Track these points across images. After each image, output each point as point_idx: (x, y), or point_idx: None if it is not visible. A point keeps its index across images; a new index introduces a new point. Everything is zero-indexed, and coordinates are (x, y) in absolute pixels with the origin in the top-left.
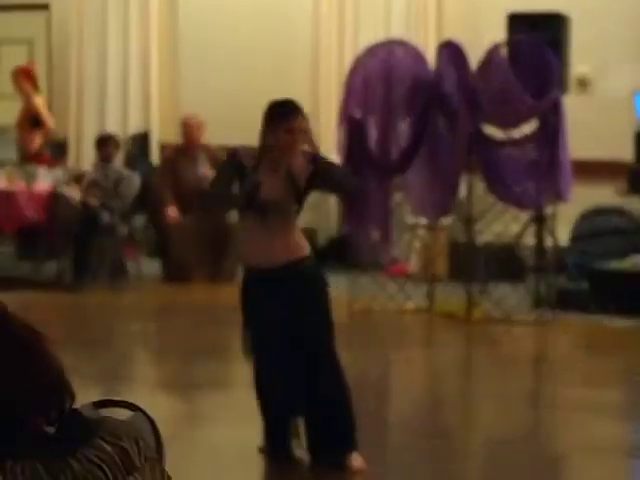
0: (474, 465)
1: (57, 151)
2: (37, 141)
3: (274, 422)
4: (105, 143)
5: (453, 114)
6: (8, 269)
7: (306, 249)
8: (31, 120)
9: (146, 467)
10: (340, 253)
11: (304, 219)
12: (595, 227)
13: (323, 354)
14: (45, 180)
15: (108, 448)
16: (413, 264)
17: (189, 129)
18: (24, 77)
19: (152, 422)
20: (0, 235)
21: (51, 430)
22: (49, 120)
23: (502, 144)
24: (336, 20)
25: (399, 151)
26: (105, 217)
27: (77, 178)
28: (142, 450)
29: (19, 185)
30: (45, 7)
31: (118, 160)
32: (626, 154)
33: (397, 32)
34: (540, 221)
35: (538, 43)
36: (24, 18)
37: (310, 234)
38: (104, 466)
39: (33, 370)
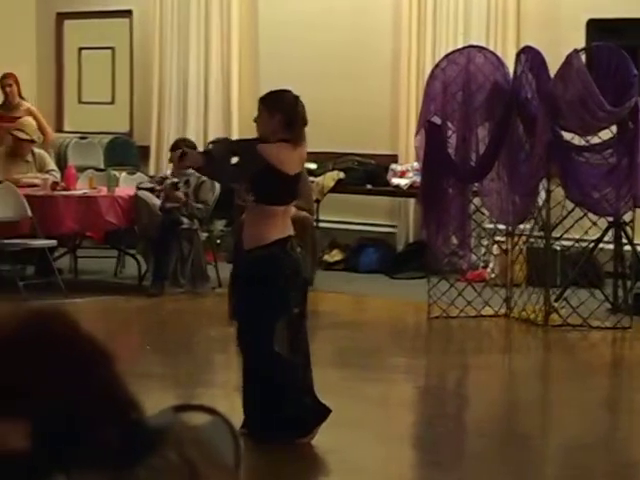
0: (552, 471)
1: (139, 157)
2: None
3: None
4: (178, 147)
5: (532, 120)
6: (89, 273)
7: None
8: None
9: (213, 475)
10: (418, 258)
11: (381, 224)
12: None
13: None
14: (126, 185)
15: (173, 457)
16: (491, 270)
17: None
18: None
19: (231, 427)
20: (84, 240)
21: (117, 439)
22: (50, 130)
23: (581, 150)
24: (416, 27)
25: (478, 157)
26: (185, 222)
27: (158, 183)
28: (209, 458)
29: (101, 190)
30: (128, 13)
31: None
32: None
33: (476, 38)
34: (618, 227)
35: (617, 49)
36: (107, 24)
37: (389, 239)
38: (169, 475)
39: (95, 384)
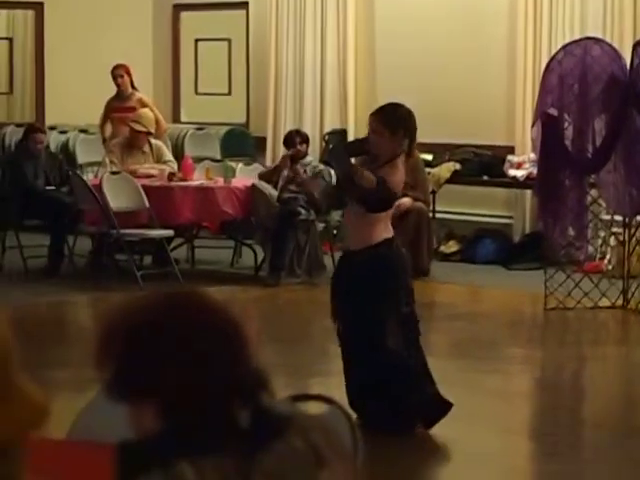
0: None
1: (255, 148)
2: None
3: None
4: (290, 139)
5: None
6: (206, 263)
7: None
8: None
9: (337, 462)
10: (535, 249)
11: (498, 215)
12: None
13: None
14: (243, 176)
15: (298, 443)
16: (608, 261)
17: None
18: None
19: (348, 417)
20: (201, 230)
21: (244, 424)
22: (163, 121)
23: None
24: (532, 18)
25: (595, 149)
26: (302, 213)
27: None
28: (332, 445)
29: (217, 181)
30: (244, 5)
31: (313, 156)
32: None
33: (593, 30)
34: None
35: None
36: (223, 16)
37: (505, 230)
38: (295, 461)
39: (232, 362)
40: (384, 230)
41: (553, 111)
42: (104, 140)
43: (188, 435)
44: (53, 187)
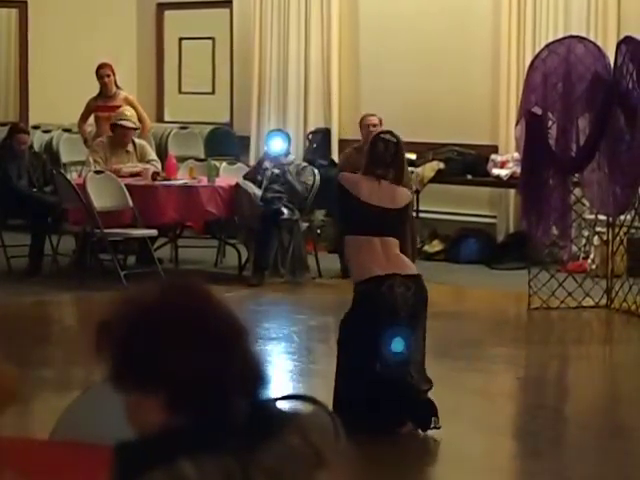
0: None
1: (239, 147)
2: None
3: None
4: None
5: (633, 111)
6: (190, 263)
7: None
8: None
9: (335, 463)
10: (519, 249)
11: (482, 214)
12: None
13: None
14: (226, 175)
15: (296, 441)
16: (592, 260)
17: (366, 129)
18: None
19: (332, 417)
20: (184, 229)
21: (243, 421)
22: (147, 119)
23: None
24: (516, 17)
25: (578, 148)
26: (286, 212)
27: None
28: (330, 445)
29: (201, 180)
30: (228, 4)
31: (296, 155)
32: None
33: (577, 28)
34: None
35: None
36: (207, 15)
37: (489, 230)
38: (293, 459)
39: (231, 356)
40: None
41: (537, 110)
42: (85, 140)
43: (189, 432)
44: (36, 189)
